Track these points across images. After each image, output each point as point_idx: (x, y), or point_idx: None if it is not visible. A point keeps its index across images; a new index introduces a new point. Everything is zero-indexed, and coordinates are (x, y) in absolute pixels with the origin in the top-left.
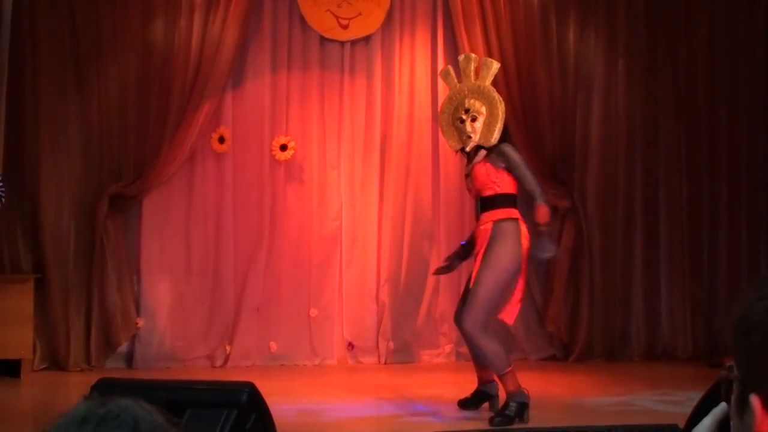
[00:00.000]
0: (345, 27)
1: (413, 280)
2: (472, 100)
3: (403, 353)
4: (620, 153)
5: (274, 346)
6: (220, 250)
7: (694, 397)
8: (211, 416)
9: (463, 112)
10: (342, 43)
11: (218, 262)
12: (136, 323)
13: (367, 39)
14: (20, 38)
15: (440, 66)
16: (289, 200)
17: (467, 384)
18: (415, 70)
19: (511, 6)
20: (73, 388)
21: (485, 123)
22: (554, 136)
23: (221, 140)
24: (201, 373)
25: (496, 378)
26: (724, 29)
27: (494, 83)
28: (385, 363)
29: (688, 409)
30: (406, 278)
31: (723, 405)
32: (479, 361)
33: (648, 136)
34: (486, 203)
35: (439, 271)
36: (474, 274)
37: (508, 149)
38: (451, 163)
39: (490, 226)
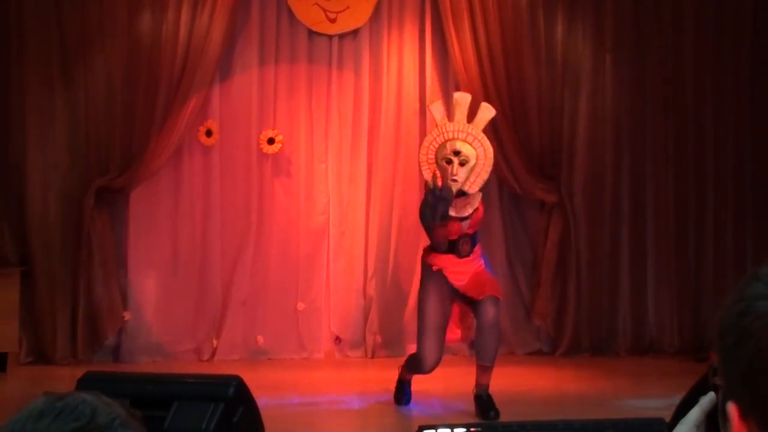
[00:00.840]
0: (333, 20)
1: (400, 274)
2: (464, 144)
3: (390, 347)
4: (608, 148)
5: (261, 339)
6: (207, 243)
7: (681, 391)
8: (198, 409)
9: (452, 154)
10: (330, 37)
11: (205, 256)
12: (123, 317)
13: (355, 33)
14: (6, 30)
15: (428, 60)
16: (276, 194)
17: (454, 377)
18: (403, 64)
19: (499, 0)
20: (60, 382)
21: (472, 170)
22: (542, 131)
23: (208, 133)
24: (188, 366)
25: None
26: (712, 26)
27: (482, 80)
28: (372, 357)
29: (674, 403)
30: (394, 272)
31: (711, 395)
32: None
33: (635, 132)
34: (472, 240)
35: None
36: (476, 289)
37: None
38: None
39: (480, 261)
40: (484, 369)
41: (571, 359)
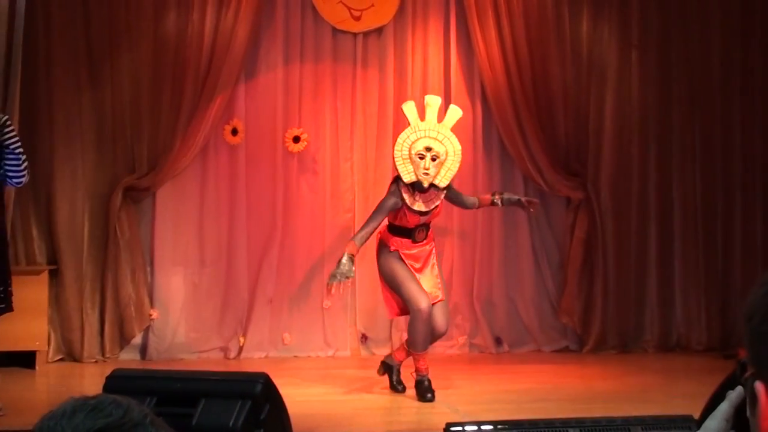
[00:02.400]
0: (357, 18)
1: None
2: (435, 142)
3: None
4: (634, 144)
5: (287, 337)
6: (233, 241)
7: (709, 388)
8: (226, 407)
9: (425, 150)
10: (354, 35)
11: (231, 254)
12: (150, 315)
13: (379, 30)
14: (34, 32)
15: (453, 58)
16: (302, 192)
17: (481, 375)
18: (427, 61)
19: None
20: (88, 380)
21: (442, 165)
22: (567, 127)
23: (234, 132)
24: (215, 364)
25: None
26: (738, 19)
27: (507, 76)
28: None
29: (702, 401)
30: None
31: (739, 389)
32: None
33: (662, 127)
34: (428, 228)
35: None
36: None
37: (453, 190)
38: (463, 154)
39: (434, 247)
40: (423, 356)
41: (598, 356)
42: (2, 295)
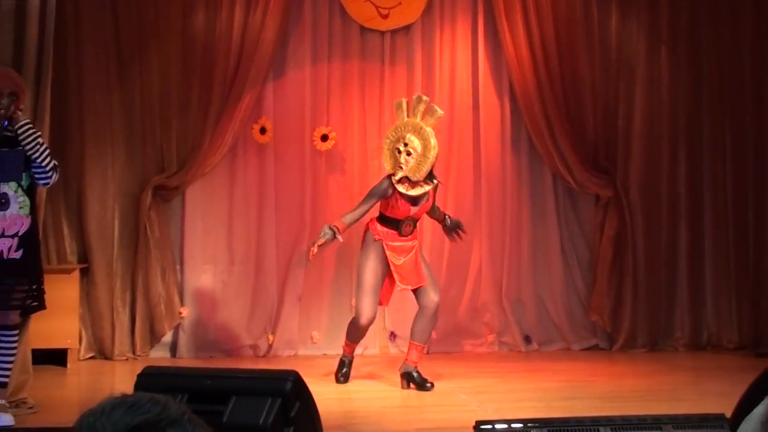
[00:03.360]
0: (385, 16)
1: (455, 270)
2: (412, 137)
3: (445, 343)
4: (664, 141)
5: (316, 335)
6: (262, 239)
7: (741, 387)
8: (256, 404)
9: (402, 145)
10: (382, 33)
11: (260, 252)
12: (180, 313)
13: (407, 28)
14: (64, 32)
15: (481, 55)
16: (330, 190)
17: (510, 373)
18: (455, 59)
19: None
20: (119, 377)
21: (416, 160)
22: (597, 125)
23: (263, 131)
24: (244, 362)
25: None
26: None
27: (535, 74)
28: (428, 353)
29: (734, 399)
30: (448, 268)
31: None
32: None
33: (692, 124)
34: (414, 224)
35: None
36: (414, 276)
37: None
38: (492, 152)
39: (416, 244)
40: (419, 349)
41: (628, 355)
42: (35, 294)
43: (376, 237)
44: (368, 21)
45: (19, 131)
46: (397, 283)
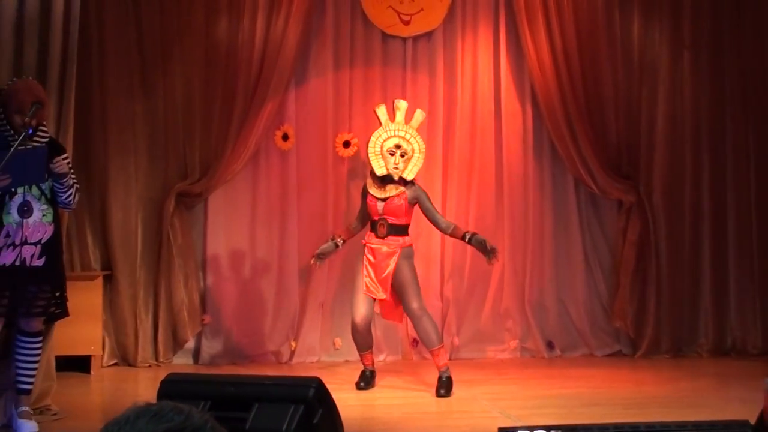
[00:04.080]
0: (407, 23)
1: (477, 276)
2: (404, 141)
3: (468, 349)
4: (686, 146)
5: (338, 342)
6: (284, 246)
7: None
8: (279, 411)
9: (395, 147)
10: (404, 39)
11: (283, 259)
12: (203, 320)
13: (429, 35)
14: (88, 41)
15: (503, 61)
16: (352, 196)
17: (533, 379)
18: (477, 65)
19: (574, 0)
20: (142, 384)
21: (409, 161)
22: (619, 130)
23: (285, 137)
24: (267, 369)
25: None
26: None
27: (557, 80)
28: (450, 359)
29: (758, 406)
30: (470, 273)
31: None
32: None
33: (715, 130)
34: (392, 229)
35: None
36: (382, 286)
37: (425, 198)
38: (514, 158)
39: (398, 250)
40: (434, 353)
41: (651, 361)
42: (58, 301)
43: (363, 240)
44: (390, 27)
45: (62, 179)
46: (366, 287)
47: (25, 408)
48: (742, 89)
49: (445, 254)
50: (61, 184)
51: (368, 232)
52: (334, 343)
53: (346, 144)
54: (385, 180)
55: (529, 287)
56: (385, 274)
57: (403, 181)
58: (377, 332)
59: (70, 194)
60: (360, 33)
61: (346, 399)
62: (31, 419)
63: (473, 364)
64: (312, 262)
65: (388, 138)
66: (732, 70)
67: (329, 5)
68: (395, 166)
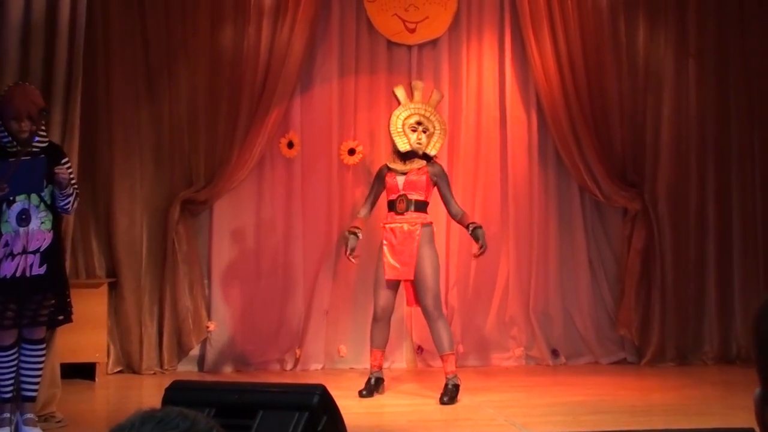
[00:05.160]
0: (412, 31)
1: (482, 284)
2: (425, 117)
3: (472, 357)
4: (692, 154)
5: (343, 349)
6: (289, 253)
7: None
8: (283, 418)
9: (416, 124)
10: (409, 47)
11: (288, 266)
12: (207, 327)
13: (434, 43)
14: (93, 47)
15: (508, 69)
16: (357, 204)
17: (538, 387)
18: (482, 72)
19: (579, 7)
20: (147, 391)
21: (431, 137)
22: (624, 138)
23: (290, 145)
24: (271, 376)
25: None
26: None
27: (562, 87)
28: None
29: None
30: (475, 281)
31: None
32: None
33: (720, 137)
34: (412, 205)
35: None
36: (406, 267)
37: (444, 180)
38: (519, 165)
39: (419, 227)
40: (443, 359)
41: (657, 369)
42: (61, 307)
43: (382, 222)
44: (395, 35)
45: (63, 189)
46: (386, 272)
47: (31, 415)
48: (747, 97)
49: (450, 262)
50: (62, 193)
51: (387, 213)
52: (338, 351)
53: (351, 151)
54: (408, 155)
55: (534, 295)
56: (408, 252)
57: (426, 158)
58: None
59: (69, 201)
60: (365, 41)
61: (351, 406)
62: (36, 426)
63: (478, 371)
64: (350, 260)
65: (410, 115)
66: (737, 78)
67: (334, 13)
68: (418, 141)
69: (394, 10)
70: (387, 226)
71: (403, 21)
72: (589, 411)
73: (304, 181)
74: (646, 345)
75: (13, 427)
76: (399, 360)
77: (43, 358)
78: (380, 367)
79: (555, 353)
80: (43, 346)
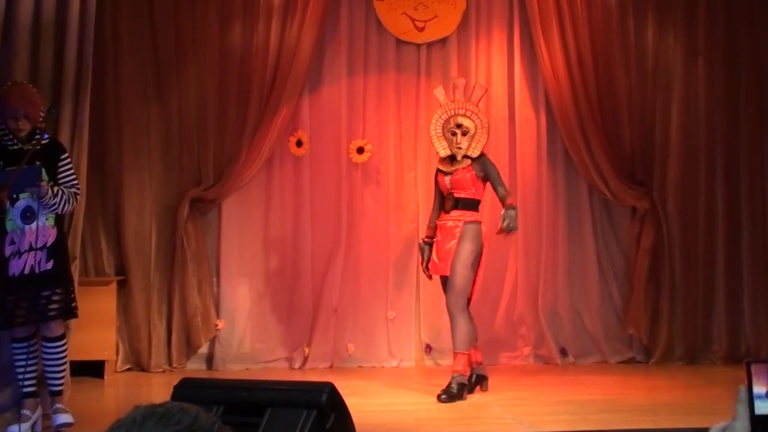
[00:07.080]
0: (421, 29)
1: (490, 282)
2: (465, 118)
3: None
4: (700, 152)
5: (351, 347)
6: (298, 252)
7: None
8: (292, 416)
9: (455, 127)
10: (418, 46)
11: (296, 264)
12: (216, 325)
13: (443, 41)
14: (103, 45)
15: (517, 68)
16: (366, 202)
17: (546, 386)
18: (491, 71)
19: (588, 6)
20: (155, 389)
21: (473, 138)
22: (633, 137)
23: (299, 144)
24: (280, 374)
25: (475, 359)
26: None
27: (571, 86)
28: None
29: None
30: (484, 280)
31: None
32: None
33: (729, 136)
34: (458, 203)
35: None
36: (443, 263)
37: (492, 169)
38: (528, 164)
39: (461, 224)
40: (455, 357)
41: (665, 368)
42: (67, 301)
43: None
44: (404, 34)
45: (41, 200)
46: (429, 267)
47: (60, 405)
48: (756, 95)
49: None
50: (41, 203)
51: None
52: (347, 349)
53: (360, 150)
54: (452, 159)
55: (543, 294)
56: (447, 247)
57: (470, 158)
58: (389, 337)
59: (54, 204)
60: (374, 39)
61: (359, 404)
62: (67, 413)
63: (486, 370)
64: (425, 272)
65: (449, 118)
66: (746, 76)
67: (343, 12)
68: (458, 146)
69: (403, 9)
70: (438, 222)
71: (412, 20)
72: (597, 410)
73: (313, 179)
74: (654, 344)
75: (33, 424)
76: (408, 359)
77: (64, 353)
78: (478, 364)
79: (563, 352)
80: (64, 341)
